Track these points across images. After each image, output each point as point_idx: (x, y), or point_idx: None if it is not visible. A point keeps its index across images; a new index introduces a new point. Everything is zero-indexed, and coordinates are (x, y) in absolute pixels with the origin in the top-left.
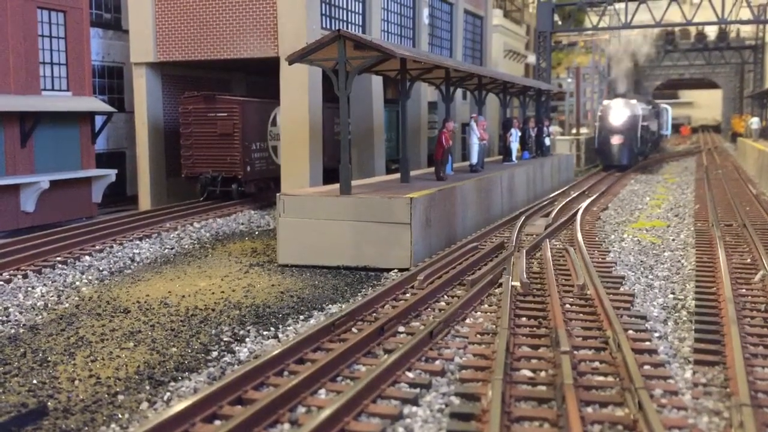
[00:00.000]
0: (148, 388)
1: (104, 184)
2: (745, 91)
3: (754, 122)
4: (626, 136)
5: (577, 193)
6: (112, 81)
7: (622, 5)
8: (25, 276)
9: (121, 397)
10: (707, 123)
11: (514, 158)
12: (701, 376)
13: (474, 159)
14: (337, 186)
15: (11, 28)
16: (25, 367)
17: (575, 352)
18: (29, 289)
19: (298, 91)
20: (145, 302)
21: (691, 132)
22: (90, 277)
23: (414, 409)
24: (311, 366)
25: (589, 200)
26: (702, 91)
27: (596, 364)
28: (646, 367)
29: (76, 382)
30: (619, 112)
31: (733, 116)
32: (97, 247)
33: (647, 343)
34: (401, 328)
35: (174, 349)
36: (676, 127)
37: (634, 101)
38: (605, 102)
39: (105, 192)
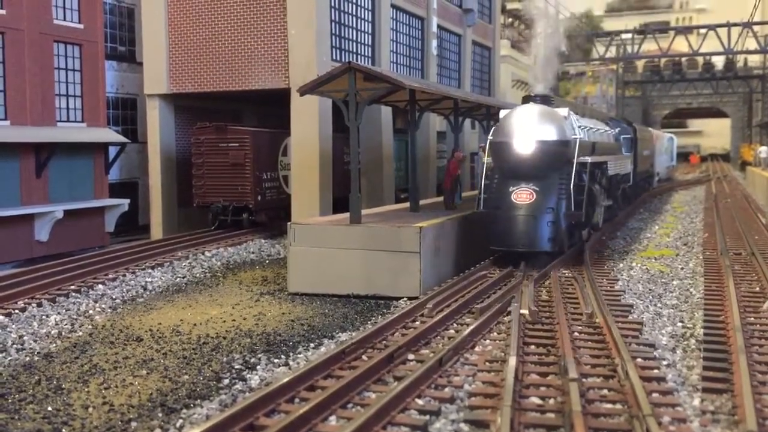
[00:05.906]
0: (160, 415)
1: (117, 214)
2: (754, 119)
3: (763, 151)
4: (543, 185)
5: None
6: (125, 112)
7: (628, 35)
8: (40, 304)
9: (134, 424)
10: (716, 152)
11: None
12: (709, 403)
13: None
14: (347, 215)
15: (28, 61)
16: (39, 395)
17: (583, 379)
18: (44, 317)
19: (309, 121)
20: (158, 330)
21: (700, 160)
22: (103, 306)
23: None
24: (322, 393)
25: None
26: (710, 120)
27: (604, 391)
28: (655, 394)
29: (90, 409)
30: (528, 130)
31: (742, 145)
32: (110, 276)
33: (655, 371)
34: (411, 356)
35: (186, 377)
36: (685, 156)
37: (564, 110)
38: (502, 113)
39: (118, 221)
